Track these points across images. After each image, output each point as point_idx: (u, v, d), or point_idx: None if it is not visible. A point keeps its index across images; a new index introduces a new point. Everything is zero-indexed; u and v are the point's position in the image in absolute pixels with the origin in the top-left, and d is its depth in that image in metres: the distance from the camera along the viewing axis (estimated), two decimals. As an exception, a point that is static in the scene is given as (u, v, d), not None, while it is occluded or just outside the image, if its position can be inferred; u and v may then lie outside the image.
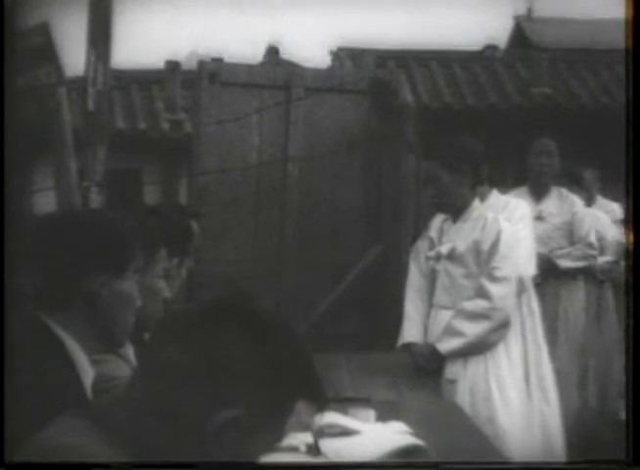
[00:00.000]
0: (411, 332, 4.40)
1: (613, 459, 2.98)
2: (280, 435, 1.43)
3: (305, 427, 2.68)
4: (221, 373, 1.36)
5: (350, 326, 6.90)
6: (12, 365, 1.94)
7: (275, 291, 6.52)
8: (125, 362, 2.53)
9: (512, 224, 4.31)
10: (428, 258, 4.44)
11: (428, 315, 4.42)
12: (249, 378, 1.36)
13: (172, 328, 1.42)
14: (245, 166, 6.59)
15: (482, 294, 4.21)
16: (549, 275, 5.55)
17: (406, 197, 7.01)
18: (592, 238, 5.97)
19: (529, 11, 16.67)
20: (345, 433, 2.88)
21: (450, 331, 4.24)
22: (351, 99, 6.95)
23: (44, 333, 2.00)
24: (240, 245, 6.59)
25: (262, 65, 10.02)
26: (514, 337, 4.27)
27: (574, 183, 6.39)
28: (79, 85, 5.42)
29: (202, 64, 6.61)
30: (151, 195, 10.40)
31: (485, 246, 4.24)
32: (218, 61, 7.87)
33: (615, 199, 6.76)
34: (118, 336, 2.10)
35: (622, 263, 6.00)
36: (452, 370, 4.23)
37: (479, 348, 4.22)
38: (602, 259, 6.15)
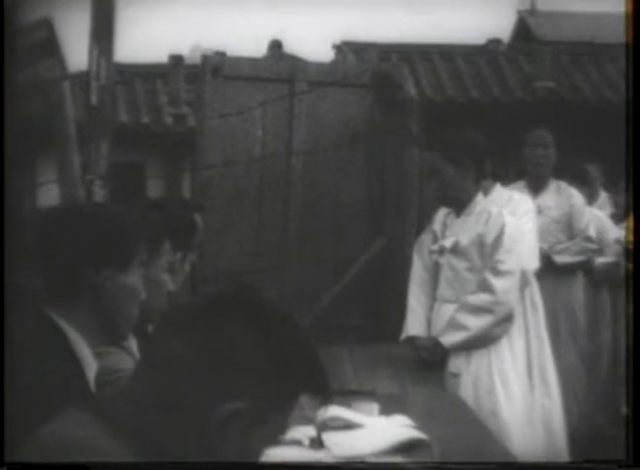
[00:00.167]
0: (414, 325, 4.41)
1: (613, 459, 2.98)
2: (283, 428, 1.43)
3: (309, 420, 2.68)
4: (225, 366, 1.36)
5: (354, 319, 6.91)
6: (13, 363, 1.94)
7: (278, 284, 6.52)
8: (129, 355, 2.54)
9: (516, 218, 4.31)
10: (431, 252, 4.44)
11: (431, 309, 4.42)
12: (252, 371, 1.36)
13: (176, 321, 1.42)
14: (248, 160, 6.59)
15: (486, 288, 4.21)
16: (548, 271, 5.44)
17: (409, 190, 7.01)
18: (591, 231, 5.84)
19: (533, 5, 16.62)
20: (349, 426, 2.88)
21: (454, 325, 4.24)
22: (355, 93, 6.95)
23: (47, 327, 2.00)
24: (243, 239, 6.59)
25: (266, 59, 10.01)
26: (517, 331, 4.27)
27: (579, 178, 6.35)
28: (83, 79, 5.42)
29: (205, 58, 6.61)
30: (154, 189, 10.40)
31: (489, 239, 4.24)
32: (222, 55, 7.89)
33: (617, 194, 6.74)
34: (122, 329, 2.11)
35: (622, 264, 5.92)
36: (455, 364, 4.23)
37: (482, 341, 4.22)
38: (601, 260, 6.10)
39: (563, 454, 4.25)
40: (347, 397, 3.22)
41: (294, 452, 2.59)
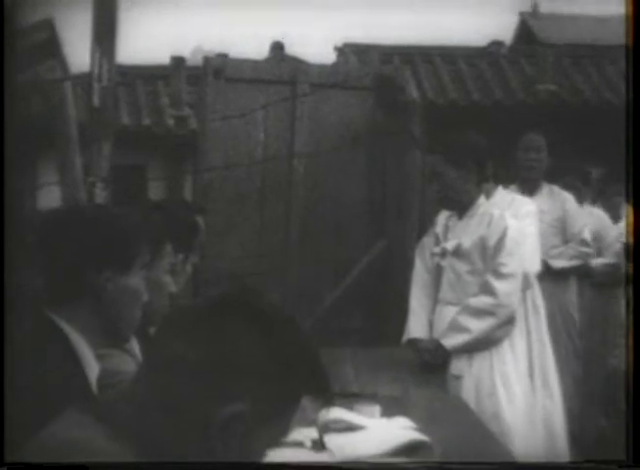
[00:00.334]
0: (416, 328, 4.41)
1: (613, 459, 2.98)
2: (285, 430, 1.43)
3: (311, 422, 2.69)
4: (227, 368, 1.36)
5: (355, 321, 6.90)
6: (13, 363, 1.93)
7: (280, 286, 6.52)
8: (131, 357, 2.53)
9: (518, 221, 4.31)
10: (433, 255, 4.45)
11: (433, 311, 4.42)
12: (254, 373, 1.36)
13: (178, 323, 1.42)
14: (250, 162, 6.59)
15: (488, 290, 4.21)
16: (543, 276, 5.39)
17: (411, 193, 7.01)
18: (586, 235, 5.79)
19: (535, 7, 16.63)
20: (350, 428, 2.88)
21: (455, 327, 4.24)
22: (356, 95, 6.94)
23: (48, 328, 2.00)
24: (245, 241, 6.59)
25: (267, 60, 10.01)
26: (519, 333, 4.27)
27: (580, 179, 6.34)
28: (84, 81, 5.42)
29: (207, 59, 6.61)
30: (156, 191, 10.39)
31: (491, 242, 4.24)
32: (223, 56, 7.88)
33: (617, 194, 6.73)
34: (124, 331, 2.11)
35: (622, 265, 5.90)
36: (457, 366, 4.23)
37: (484, 344, 4.22)
38: (600, 261, 6.08)
39: (563, 455, 4.25)
40: (349, 399, 3.22)
41: (295, 454, 2.59)
